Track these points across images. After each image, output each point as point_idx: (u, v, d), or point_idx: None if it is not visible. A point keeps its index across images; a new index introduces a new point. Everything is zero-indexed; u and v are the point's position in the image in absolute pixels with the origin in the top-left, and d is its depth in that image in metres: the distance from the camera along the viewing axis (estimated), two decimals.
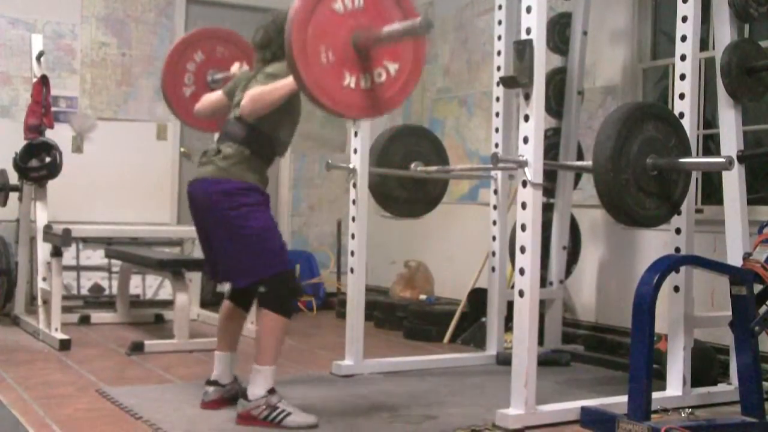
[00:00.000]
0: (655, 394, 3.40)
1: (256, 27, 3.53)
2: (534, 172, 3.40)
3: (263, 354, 3.27)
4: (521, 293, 3.42)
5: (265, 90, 3.24)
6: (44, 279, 5.24)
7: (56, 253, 5.01)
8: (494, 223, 4.80)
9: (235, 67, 3.97)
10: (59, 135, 5.91)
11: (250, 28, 7.72)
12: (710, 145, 4.92)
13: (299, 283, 3.37)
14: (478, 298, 5.33)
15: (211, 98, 3.68)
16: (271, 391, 3.26)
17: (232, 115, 3.43)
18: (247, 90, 3.34)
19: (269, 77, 3.31)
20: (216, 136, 3.57)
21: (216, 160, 3.32)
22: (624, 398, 3.32)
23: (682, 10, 3.79)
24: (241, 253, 3.27)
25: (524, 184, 3.43)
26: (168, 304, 6.05)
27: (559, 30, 5.18)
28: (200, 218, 3.41)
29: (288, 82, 3.19)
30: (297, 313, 3.37)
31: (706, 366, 4.14)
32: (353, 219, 4.38)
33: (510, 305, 3.87)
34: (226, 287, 5.02)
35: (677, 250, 3.79)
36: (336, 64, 2.91)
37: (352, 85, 2.95)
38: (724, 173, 3.93)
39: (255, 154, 3.33)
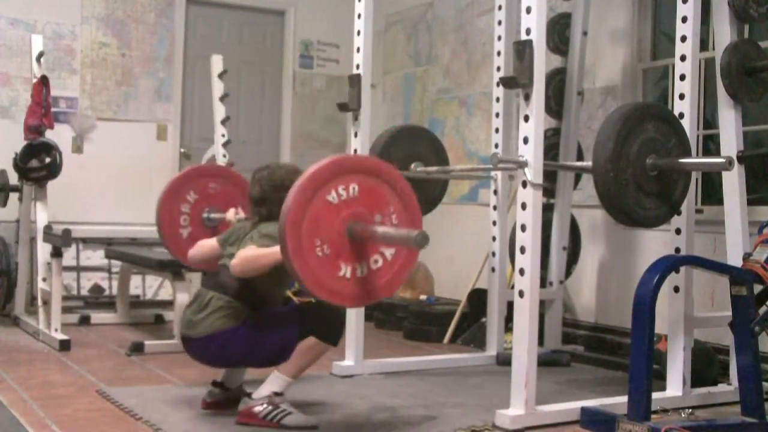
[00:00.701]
0: (655, 394, 3.40)
1: (252, 179, 3.48)
2: (534, 172, 3.40)
3: (290, 366, 3.27)
4: (521, 293, 3.41)
5: (257, 254, 3.18)
6: (44, 279, 5.23)
7: (56, 253, 5.01)
8: (494, 223, 4.80)
9: (230, 214, 3.99)
10: (59, 135, 5.92)
11: (250, 28, 7.78)
12: (710, 145, 4.92)
13: (334, 310, 3.36)
14: (478, 298, 5.33)
15: (206, 247, 3.60)
16: (277, 393, 3.26)
17: (224, 263, 3.37)
18: (242, 247, 3.28)
19: (266, 238, 3.24)
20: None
21: (205, 314, 3.26)
22: (624, 398, 3.32)
23: (682, 10, 3.79)
24: (268, 356, 3.29)
25: (524, 184, 3.43)
26: (168, 304, 6.05)
27: (559, 30, 5.19)
28: (214, 364, 3.44)
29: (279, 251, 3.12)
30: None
31: (706, 366, 4.14)
32: None
33: (510, 305, 3.87)
34: None
35: (677, 250, 3.79)
36: (332, 256, 2.88)
37: (348, 275, 2.92)
38: (724, 173, 3.93)
39: (245, 306, 3.28)
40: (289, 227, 2.82)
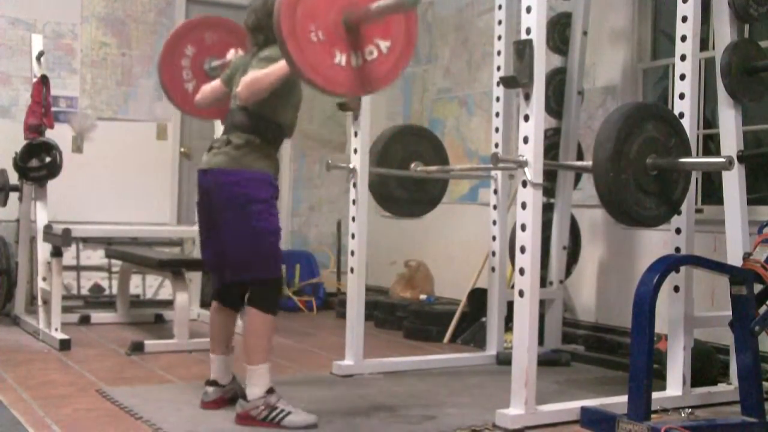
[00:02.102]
0: (655, 394, 3.40)
1: (247, 10, 3.53)
2: (534, 172, 3.40)
3: (254, 354, 3.27)
4: (521, 293, 3.41)
5: (259, 75, 3.23)
6: (44, 279, 5.23)
7: (56, 253, 5.01)
8: (494, 223, 4.80)
9: (230, 54, 3.95)
10: (59, 135, 5.91)
11: None
12: (710, 145, 4.92)
13: (277, 264, 3.39)
14: (478, 298, 5.33)
15: (210, 88, 3.68)
16: (270, 391, 3.25)
17: (234, 105, 3.43)
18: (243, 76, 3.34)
19: (264, 61, 3.29)
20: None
21: (227, 150, 3.32)
22: (624, 398, 3.32)
23: (682, 10, 3.79)
24: (246, 248, 3.27)
25: (524, 184, 3.43)
26: (168, 304, 6.05)
27: (559, 30, 5.18)
28: (208, 208, 3.40)
29: (281, 65, 3.18)
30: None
31: (706, 366, 4.14)
32: (353, 219, 4.38)
33: (510, 305, 3.87)
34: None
35: (677, 250, 3.79)
36: (326, 43, 2.91)
37: (343, 62, 2.96)
38: (724, 173, 3.93)
39: (264, 141, 3.34)
40: (284, 9, 2.83)
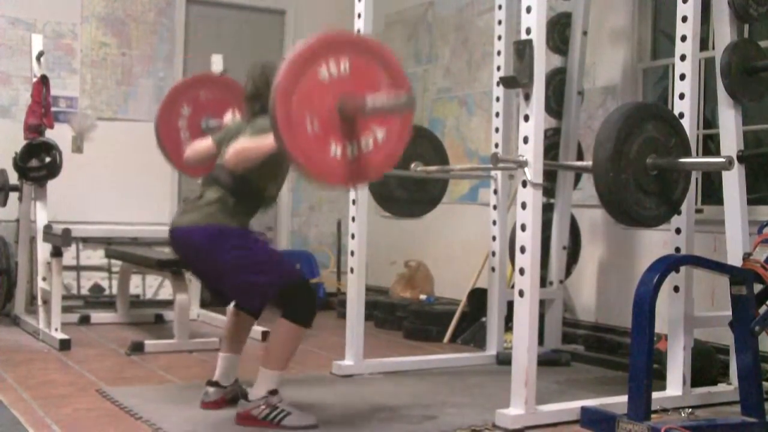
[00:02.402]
0: (655, 394, 3.40)
1: (245, 76, 3.46)
2: (534, 172, 3.40)
3: (273, 359, 3.27)
4: (521, 293, 3.41)
5: (249, 145, 3.15)
6: (44, 279, 5.23)
7: (56, 253, 5.01)
8: (494, 223, 4.80)
9: (227, 117, 3.97)
10: (59, 135, 5.91)
11: (250, 28, 7.77)
12: (710, 145, 4.92)
13: (313, 291, 3.37)
14: (478, 298, 5.33)
15: (202, 146, 3.58)
16: (273, 392, 3.26)
17: (220, 161, 3.36)
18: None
19: (258, 131, 3.22)
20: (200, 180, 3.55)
21: (200, 205, 3.28)
22: (624, 398, 3.32)
23: (682, 10, 3.79)
24: (240, 285, 3.26)
25: (524, 184, 3.43)
26: (168, 304, 6.05)
27: (559, 30, 5.19)
28: (189, 263, 3.45)
29: (272, 140, 3.09)
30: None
31: (706, 366, 4.14)
32: (353, 219, 4.38)
33: (510, 305, 3.87)
34: None
35: (677, 250, 3.79)
36: (322, 134, 2.86)
37: (338, 154, 2.90)
38: (724, 173, 3.93)
39: (239, 203, 3.27)
40: (280, 98, 2.79)
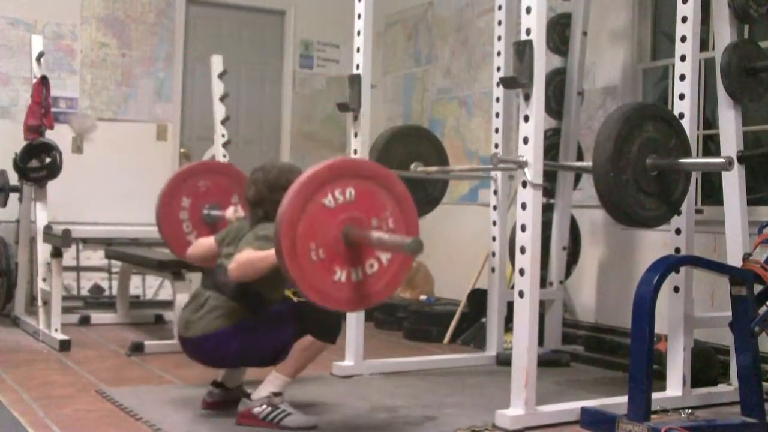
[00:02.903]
0: (655, 395, 3.40)
1: (248, 181, 3.46)
2: (534, 172, 3.40)
3: (287, 365, 3.27)
4: (521, 294, 3.41)
5: (254, 258, 3.15)
6: (44, 279, 5.23)
7: (56, 253, 5.01)
8: (494, 223, 4.80)
9: (230, 212, 3.99)
10: (59, 135, 5.91)
11: (250, 28, 7.77)
12: (710, 145, 4.92)
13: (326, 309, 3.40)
14: (478, 298, 5.33)
15: (203, 245, 3.62)
16: (276, 394, 3.26)
17: (221, 263, 3.37)
18: (238, 249, 3.27)
19: (261, 240, 3.22)
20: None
21: (202, 314, 3.27)
22: (624, 398, 3.32)
23: (682, 10, 3.79)
24: (265, 354, 3.29)
25: (524, 184, 3.42)
26: (168, 304, 6.04)
27: (559, 30, 5.19)
28: (211, 364, 3.43)
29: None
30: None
31: (706, 366, 4.14)
32: None
33: (510, 305, 3.87)
34: None
35: (677, 250, 3.79)
36: (326, 261, 2.86)
37: (343, 279, 2.90)
38: (724, 173, 3.93)
39: (242, 307, 3.28)
40: (284, 230, 2.80)
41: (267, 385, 3.26)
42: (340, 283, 2.90)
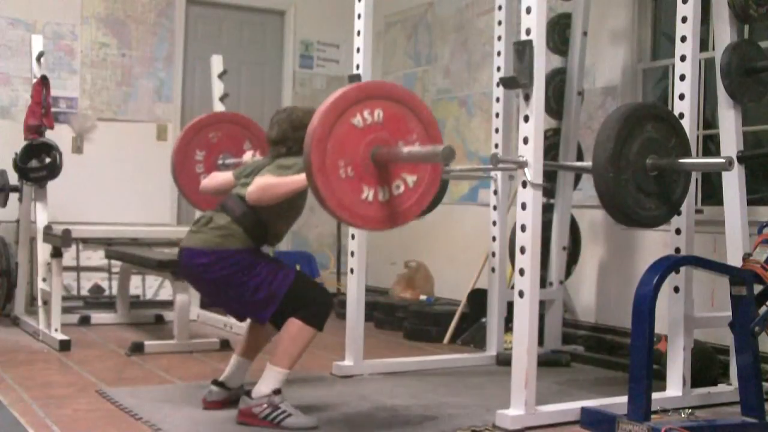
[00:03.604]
0: (655, 395, 3.40)
1: (271, 121, 3.53)
2: (534, 172, 3.40)
3: (281, 356, 3.28)
4: (521, 294, 3.41)
5: (275, 182, 3.24)
6: (44, 279, 5.23)
7: (56, 253, 5.01)
8: (494, 223, 4.80)
9: (247, 156, 4.01)
10: (59, 135, 5.92)
11: (250, 28, 7.77)
12: (710, 145, 4.92)
13: (323, 289, 3.43)
14: (478, 298, 5.33)
15: (221, 178, 3.66)
16: (276, 392, 3.26)
17: (234, 192, 3.43)
18: (260, 176, 3.32)
19: (283, 169, 3.31)
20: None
21: (205, 230, 3.32)
22: (624, 398, 3.32)
23: (682, 10, 3.79)
24: (246, 300, 3.30)
25: (524, 184, 3.43)
26: (168, 304, 6.05)
27: (559, 30, 5.18)
28: (194, 283, 3.47)
29: (298, 179, 3.20)
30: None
31: (706, 366, 4.14)
32: None
33: (510, 305, 3.87)
34: None
35: (677, 250, 3.79)
36: (355, 179, 2.91)
37: (370, 198, 2.95)
38: (724, 174, 3.93)
39: (246, 233, 3.32)
40: (315, 145, 2.84)
41: (266, 381, 3.26)
42: (367, 202, 2.95)
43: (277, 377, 3.27)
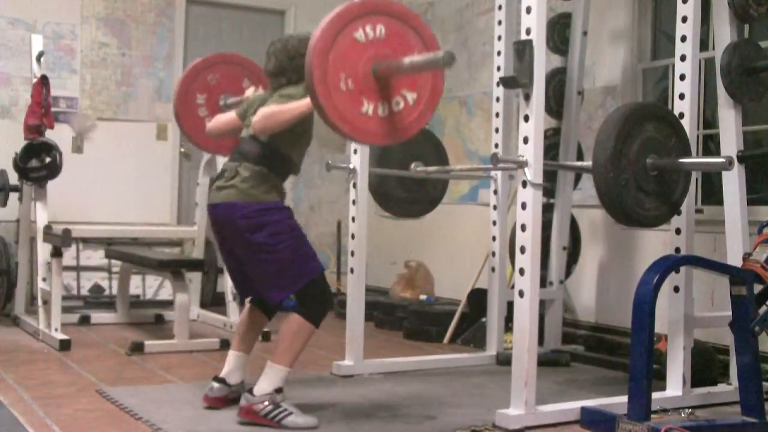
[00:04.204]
0: (655, 394, 3.40)
1: (267, 54, 3.55)
2: (534, 172, 3.40)
3: (282, 355, 3.30)
4: (521, 293, 3.41)
5: (278, 109, 3.28)
6: (44, 279, 5.23)
7: (56, 253, 5.01)
8: (494, 223, 4.80)
9: (249, 92, 4.00)
10: (59, 135, 5.91)
11: (250, 28, 7.76)
12: (710, 145, 4.92)
13: (329, 288, 3.45)
14: (478, 298, 5.33)
15: (225, 118, 3.69)
16: (278, 390, 3.28)
17: (245, 134, 3.46)
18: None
19: (285, 98, 3.35)
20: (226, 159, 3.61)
21: (235, 182, 3.34)
22: (624, 398, 3.32)
23: (682, 10, 3.79)
24: (270, 272, 3.31)
25: (524, 184, 3.43)
26: (168, 304, 6.05)
27: (559, 30, 5.18)
28: (225, 241, 3.45)
29: (302, 104, 3.24)
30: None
31: (706, 366, 4.14)
32: (353, 219, 4.38)
33: (510, 305, 3.87)
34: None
35: (677, 250, 3.79)
36: (355, 92, 2.97)
37: (370, 112, 3.01)
38: (724, 173, 3.93)
39: (272, 173, 3.37)
40: (316, 56, 2.88)
41: (268, 379, 3.28)
42: (367, 116, 3.00)
43: (279, 375, 3.28)
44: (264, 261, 3.30)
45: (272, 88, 3.53)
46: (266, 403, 3.25)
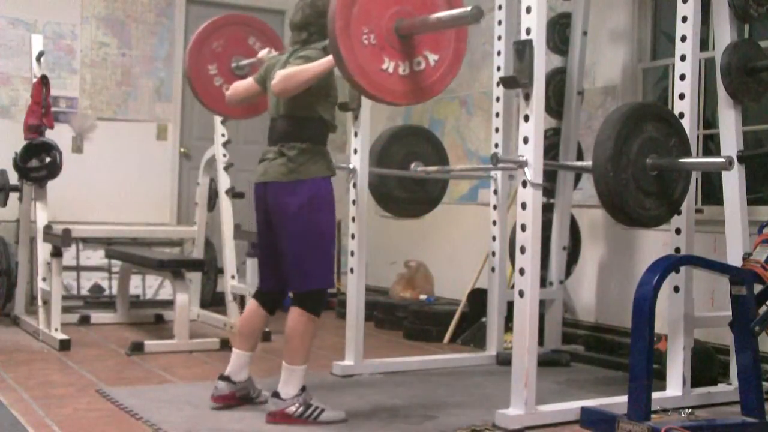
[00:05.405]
0: (655, 394, 3.40)
1: (295, 6, 3.53)
2: (534, 172, 3.40)
3: (295, 355, 3.33)
4: (521, 293, 3.41)
5: (296, 70, 3.24)
6: (44, 279, 5.23)
7: (56, 253, 5.01)
8: (494, 223, 4.80)
9: (263, 53, 3.95)
10: (59, 135, 5.91)
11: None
12: (710, 145, 4.92)
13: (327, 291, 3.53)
14: (478, 298, 5.33)
15: (243, 85, 3.68)
16: (303, 389, 3.33)
17: (275, 114, 3.44)
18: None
19: (302, 59, 3.31)
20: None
21: (283, 161, 3.33)
22: (624, 398, 3.32)
23: (682, 10, 3.79)
24: (309, 259, 3.32)
25: (524, 184, 3.43)
26: (168, 304, 6.05)
27: (559, 30, 5.18)
28: (268, 219, 3.44)
29: (320, 63, 3.22)
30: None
31: (706, 366, 4.14)
32: (353, 219, 4.38)
33: (510, 305, 3.87)
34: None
35: (677, 250, 3.79)
36: (377, 47, 2.96)
37: (390, 70, 3.01)
38: (724, 173, 3.93)
39: (314, 143, 3.36)
40: (339, 10, 2.87)
41: (290, 381, 3.32)
42: (387, 73, 3.00)
43: (299, 375, 3.33)
44: (306, 239, 3.30)
45: (292, 44, 3.50)
46: (298, 404, 3.30)
